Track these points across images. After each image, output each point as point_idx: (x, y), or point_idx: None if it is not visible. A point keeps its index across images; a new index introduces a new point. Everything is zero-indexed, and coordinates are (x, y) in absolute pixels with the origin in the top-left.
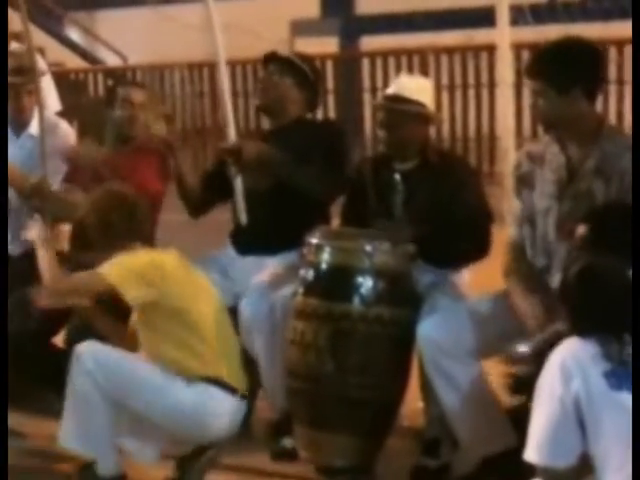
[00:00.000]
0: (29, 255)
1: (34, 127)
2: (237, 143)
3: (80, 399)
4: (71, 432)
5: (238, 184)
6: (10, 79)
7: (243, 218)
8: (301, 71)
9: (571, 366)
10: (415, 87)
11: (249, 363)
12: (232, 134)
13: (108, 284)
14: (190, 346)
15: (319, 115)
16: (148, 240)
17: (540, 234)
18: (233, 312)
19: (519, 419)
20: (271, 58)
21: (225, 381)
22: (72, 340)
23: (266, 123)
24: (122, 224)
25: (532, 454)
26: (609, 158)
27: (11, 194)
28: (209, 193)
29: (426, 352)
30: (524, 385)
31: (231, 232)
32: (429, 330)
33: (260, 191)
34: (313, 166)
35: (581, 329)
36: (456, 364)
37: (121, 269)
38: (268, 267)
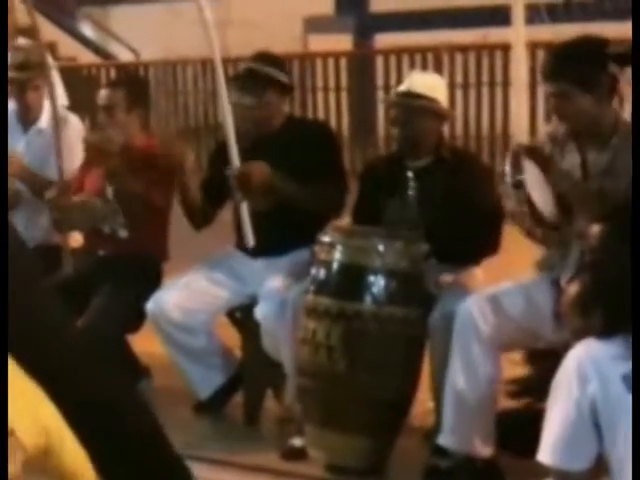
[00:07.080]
0: (40, 248)
1: (43, 122)
2: (244, 169)
3: None
4: None
5: (244, 209)
6: (15, 75)
7: (251, 241)
8: (265, 80)
9: (588, 368)
10: (427, 83)
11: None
12: (236, 159)
13: None
14: None
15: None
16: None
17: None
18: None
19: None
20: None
21: None
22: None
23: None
24: None
25: (546, 456)
26: (620, 155)
27: (23, 189)
28: (212, 202)
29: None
30: (525, 389)
31: (236, 243)
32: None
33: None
34: (315, 180)
35: (610, 329)
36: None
37: None
38: (280, 268)
